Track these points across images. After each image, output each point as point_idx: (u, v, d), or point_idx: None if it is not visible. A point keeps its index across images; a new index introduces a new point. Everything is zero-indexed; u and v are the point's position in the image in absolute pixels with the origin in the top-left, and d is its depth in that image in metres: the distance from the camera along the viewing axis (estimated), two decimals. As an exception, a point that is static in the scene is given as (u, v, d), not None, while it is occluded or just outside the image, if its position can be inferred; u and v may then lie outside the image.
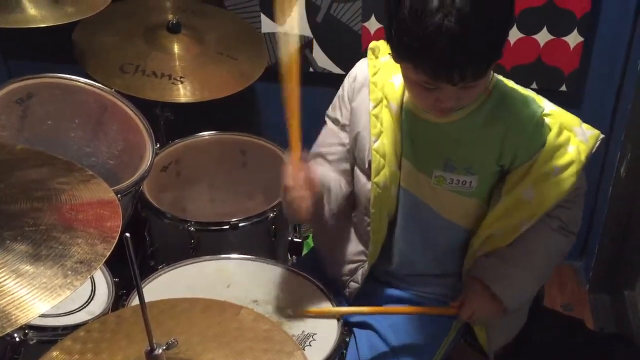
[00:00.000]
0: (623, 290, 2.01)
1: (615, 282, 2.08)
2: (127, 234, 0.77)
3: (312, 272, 1.41)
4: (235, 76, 1.83)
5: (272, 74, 1.95)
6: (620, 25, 1.85)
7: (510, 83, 1.27)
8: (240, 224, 1.62)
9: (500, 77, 1.25)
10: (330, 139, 1.38)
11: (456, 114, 1.20)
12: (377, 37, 1.97)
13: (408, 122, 1.25)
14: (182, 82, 1.76)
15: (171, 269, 1.43)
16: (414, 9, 1.02)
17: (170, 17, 1.86)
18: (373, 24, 1.96)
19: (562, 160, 1.23)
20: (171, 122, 1.93)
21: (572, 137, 1.25)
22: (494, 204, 1.27)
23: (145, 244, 1.79)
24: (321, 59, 2.07)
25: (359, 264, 1.38)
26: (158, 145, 1.75)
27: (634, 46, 1.86)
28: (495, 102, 1.21)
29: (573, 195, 1.28)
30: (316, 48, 2.05)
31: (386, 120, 1.26)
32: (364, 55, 1.38)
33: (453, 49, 1.01)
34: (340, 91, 1.37)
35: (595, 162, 2.02)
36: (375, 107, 1.27)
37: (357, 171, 1.33)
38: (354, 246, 1.39)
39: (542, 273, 1.33)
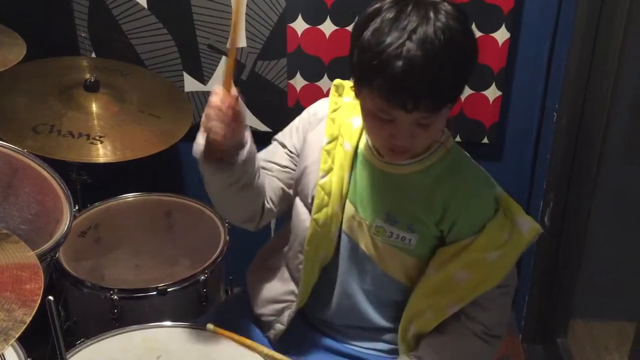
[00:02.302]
0: (556, 338, 2.03)
1: (548, 330, 2.10)
2: (51, 297, 0.68)
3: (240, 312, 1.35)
4: (158, 135, 1.75)
5: (197, 132, 1.91)
6: (535, 79, 1.95)
7: (468, 156, 1.24)
8: (169, 289, 1.52)
9: (460, 148, 1.23)
10: (269, 156, 1.32)
11: (410, 166, 1.17)
12: (303, 94, 1.97)
13: (360, 166, 1.22)
14: (101, 142, 1.67)
15: (92, 342, 1.30)
16: (378, 30, 1.02)
17: (87, 75, 1.78)
18: (299, 81, 1.96)
19: (500, 247, 1.17)
20: (89, 185, 1.82)
21: (513, 226, 1.19)
22: (423, 280, 1.21)
23: (60, 318, 1.64)
24: (247, 117, 2.02)
25: (286, 304, 1.32)
26: (77, 208, 1.64)
27: (548, 99, 1.95)
28: (449, 164, 1.19)
29: (499, 293, 1.21)
30: (242, 106, 2.02)
31: (338, 158, 1.23)
32: (291, 112, 1.36)
33: (410, 71, 0.99)
34: (296, 121, 1.33)
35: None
36: (329, 142, 1.23)
37: (298, 205, 1.28)
38: (284, 285, 1.32)
39: None
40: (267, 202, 1.29)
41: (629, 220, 1.94)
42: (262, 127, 2.03)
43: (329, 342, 1.33)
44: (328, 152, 1.23)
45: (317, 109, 1.31)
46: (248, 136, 1.17)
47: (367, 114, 1.12)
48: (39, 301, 0.67)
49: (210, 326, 1.25)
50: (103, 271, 1.76)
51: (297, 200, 1.29)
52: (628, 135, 1.82)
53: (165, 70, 1.99)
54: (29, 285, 0.67)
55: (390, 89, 1.02)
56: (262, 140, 1.35)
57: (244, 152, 1.15)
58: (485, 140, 2.00)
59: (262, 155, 1.32)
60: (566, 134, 1.85)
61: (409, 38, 1.00)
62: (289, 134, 1.32)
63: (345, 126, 1.24)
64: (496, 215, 1.17)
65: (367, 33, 1.03)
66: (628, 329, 2.11)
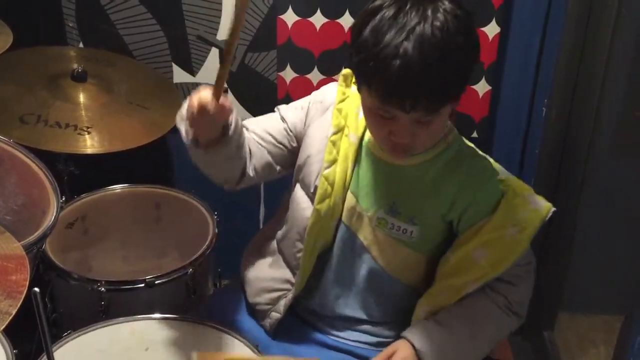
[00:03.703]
0: (542, 331, 2.05)
1: (534, 323, 2.11)
2: (37, 289, 0.67)
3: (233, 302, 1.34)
4: (147, 126, 1.74)
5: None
6: (524, 74, 1.95)
7: (470, 144, 1.25)
8: (156, 282, 1.50)
9: (462, 137, 1.24)
10: (267, 124, 1.29)
11: (412, 159, 1.17)
12: (293, 86, 1.96)
13: (364, 157, 1.22)
14: (89, 133, 1.65)
15: (80, 334, 1.29)
16: (376, 28, 1.01)
17: (75, 66, 1.76)
18: (289, 73, 1.95)
19: (516, 224, 1.18)
20: (76, 176, 1.80)
21: (526, 204, 1.20)
22: (442, 264, 1.21)
23: (47, 310, 1.62)
24: (236, 109, 2.01)
25: (282, 292, 1.31)
26: (64, 199, 1.62)
27: (537, 94, 1.95)
28: (453, 155, 1.19)
29: (523, 269, 1.23)
30: (231, 98, 2.01)
31: (343, 149, 1.22)
32: (280, 104, 1.34)
33: (407, 72, 0.99)
34: (303, 102, 1.31)
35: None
36: (335, 133, 1.22)
37: (299, 194, 1.27)
38: (280, 273, 1.32)
39: (480, 350, 1.25)
40: (250, 170, 1.26)
41: (617, 215, 1.95)
42: (252, 120, 2.02)
43: (319, 335, 1.33)
44: (333, 143, 1.22)
45: (324, 95, 1.28)
46: (232, 117, 1.13)
47: (367, 110, 1.12)
48: (24, 293, 0.66)
49: (194, 355, 1.22)
50: (90, 263, 1.75)
51: (298, 188, 1.28)
52: (617, 130, 1.83)
53: (154, 61, 1.98)
54: (15, 276, 0.66)
55: (387, 90, 1.02)
56: (252, 133, 1.34)
57: (229, 135, 1.13)
58: (475, 135, 2.00)
59: (260, 123, 1.30)
60: (555, 128, 1.85)
61: (406, 38, 0.99)
62: (293, 111, 1.30)
63: (351, 117, 1.23)
64: (507, 195, 1.18)
65: (366, 31, 1.02)
66: (614, 323, 2.13)
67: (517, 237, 1.18)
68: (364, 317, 1.30)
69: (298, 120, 1.29)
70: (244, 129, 1.24)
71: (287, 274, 1.31)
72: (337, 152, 1.22)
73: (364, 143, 1.23)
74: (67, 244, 1.67)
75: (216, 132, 1.13)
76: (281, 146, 1.29)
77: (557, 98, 1.82)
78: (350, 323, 1.31)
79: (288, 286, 1.31)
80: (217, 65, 1.94)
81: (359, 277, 1.27)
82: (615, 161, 1.92)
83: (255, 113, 2.00)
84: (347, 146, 1.22)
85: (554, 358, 1.97)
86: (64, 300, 1.58)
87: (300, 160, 1.27)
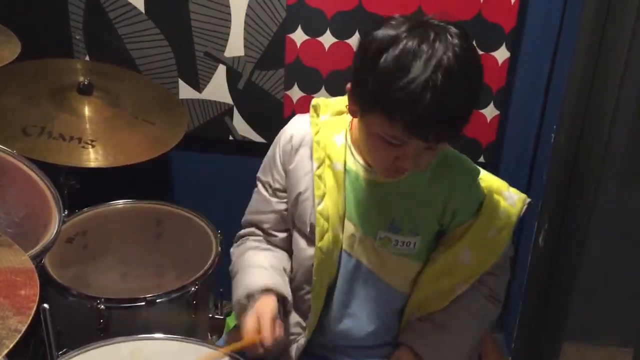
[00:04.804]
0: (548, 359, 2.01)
1: (538, 353, 2.07)
2: (46, 305, 0.63)
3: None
4: (152, 141, 1.71)
5: (191, 141, 1.87)
6: (533, 98, 1.94)
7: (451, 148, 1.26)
8: (158, 300, 1.47)
9: None
10: (263, 206, 1.31)
11: (406, 174, 1.17)
12: (300, 105, 1.94)
13: (351, 183, 1.20)
14: (93, 146, 1.62)
15: (78, 354, 1.24)
16: (399, 60, 0.98)
17: (81, 78, 1.74)
18: (295, 92, 1.94)
19: (497, 223, 1.25)
20: (77, 191, 1.77)
21: (502, 201, 1.27)
22: (429, 265, 1.24)
23: (40, 327, 1.58)
24: (242, 127, 2.00)
25: (293, 337, 1.28)
26: (66, 213, 1.59)
27: (546, 118, 1.94)
28: (438, 162, 1.20)
29: (502, 260, 1.29)
30: (236, 116, 1.99)
31: (329, 181, 1.20)
32: (287, 122, 1.32)
33: (440, 105, 0.98)
34: (270, 153, 1.30)
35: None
36: (319, 167, 1.20)
37: (296, 236, 1.26)
38: (289, 318, 1.28)
39: (473, 341, 1.31)
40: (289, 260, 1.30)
41: (626, 244, 1.92)
42: (257, 138, 2.00)
43: None
44: (319, 177, 1.20)
45: (292, 132, 1.26)
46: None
47: (373, 137, 1.09)
48: (34, 309, 0.63)
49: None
50: (89, 279, 1.71)
51: (295, 232, 1.27)
52: (628, 159, 1.81)
53: (160, 76, 1.96)
54: (24, 291, 0.63)
55: (415, 122, 1.00)
56: (257, 152, 1.32)
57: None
58: (482, 159, 1.99)
59: (258, 208, 1.31)
60: (564, 154, 1.84)
61: (434, 70, 0.97)
62: (270, 171, 1.29)
63: (330, 146, 1.21)
64: (487, 194, 1.24)
65: (386, 61, 1.00)
66: (620, 355, 2.10)
67: (498, 237, 1.25)
68: (380, 338, 1.29)
69: (278, 176, 1.28)
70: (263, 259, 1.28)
71: (296, 317, 1.29)
72: (325, 185, 1.21)
73: (347, 169, 1.21)
74: (65, 259, 1.63)
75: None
76: (286, 211, 1.29)
77: (566, 124, 1.81)
78: (366, 349, 1.29)
79: (299, 330, 1.28)
80: (224, 82, 1.95)
81: (369, 301, 1.25)
82: (625, 191, 1.90)
83: (261, 132, 2.00)
84: (333, 176, 1.20)
85: (558, 389, 1.93)
86: (61, 316, 1.53)
87: (290, 203, 1.26)
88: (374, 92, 1.03)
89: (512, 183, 2.02)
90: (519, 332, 2.09)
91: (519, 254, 2.10)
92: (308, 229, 1.22)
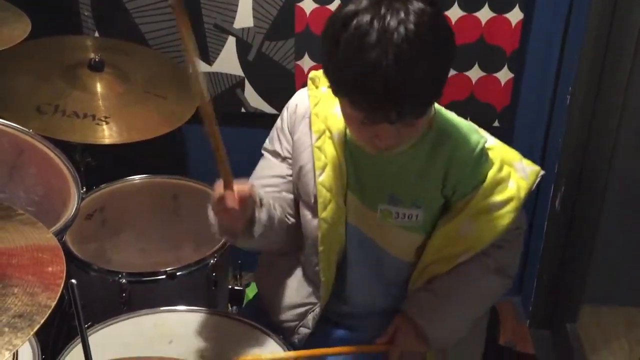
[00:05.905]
0: (565, 323, 2.02)
1: (556, 315, 2.08)
2: (73, 280, 0.65)
3: (258, 320, 1.30)
4: (165, 116, 1.72)
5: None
6: (548, 61, 1.91)
7: (451, 114, 1.24)
8: (178, 273, 1.49)
9: (440, 107, 1.22)
10: (268, 171, 1.29)
11: (398, 148, 1.14)
12: (311, 75, 1.93)
13: (352, 154, 1.20)
14: (107, 123, 1.63)
15: (103, 327, 1.27)
16: (351, 44, 0.96)
17: (92, 55, 1.74)
18: (306, 62, 1.92)
19: (501, 196, 1.20)
20: (93, 167, 1.78)
21: (513, 173, 1.23)
22: (432, 235, 1.23)
23: (64, 303, 1.61)
24: (253, 99, 2.00)
25: (309, 307, 1.30)
26: (84, 190, 1.60)
27: (561, 81, 1.92)
28: (437, 134, 1.18)
29: (512, 234, 1.26)
30: (248, 87, 1.98)
31: (330, 152, 1.20)
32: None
33: (390, 88, 0.95)
34: (278, 123, 1.29)
35: (529, 197, 2.05)
36: (318, 139, 1.20)
37: (302, 208, 1.26)
38: (302, 288, 1.30)
39: (474, 313, 1.29)
40: (288, 219, 1.27)
41: (643, 205, 1.92)
42: (268, 109, 2.00)
43: (351, 334, 1.31)
44: (319, 148, 1.20)
45: (296, 104, 1.26)
46: (258, 212, 1.14)
47: (347, 118, 1.09)
48: (62, 284, 0.64)
49: None
50: (108, 254, 1.73)
51: (301, 203, 1.27)
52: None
53: (170, 50, 1.95)
54: (51, 267, 0.64)
55: (371, 105, 0.99)
56: (269, 123, 1.31)
57: (254, 228, 1.14)
58: (497, 124, 1.97)
59: (262, 174, 1.29)
60: (580, 117, 1.82)
61: (384, 51, 0.94)
62: (277, 140, 1.28)
63: (330, 118, 1.21)
64: (494, 165, 1.20)
65: (342, 43, 0.97)
66: (636, 315, 2.11)
67: (503, 210, 1.20)
68: (390, 306, 1.30)
69: (286, 143, 1.27)
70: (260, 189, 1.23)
71: (310, 287, 1.30)
72: (325, 156, 1.20)
73: (348, 139, 1.20)
74: (85, 236, 1.65)
75: (244, 219, 1.12)
76: (291, 177, 1.27)
77: (581, 85, 1.79)
78: (377, 316, 1.30)
79: (313, 299, 1.29)
80: (234, 54, 1.94)
81: (380, 271, 1.26)
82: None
83: (272, 103, 1.99)
84: (333, 147, 1.20)
85: (576, 350, 1.94)
86: (83, 292, 1.55)
87: (294, 175, 1.26)
88: (332, 78, 1.03)
89: (528, 147, 2.02)
90: (536, 297, 2.10)
91: (535, 218, 2.10)
92: (312, 201, 1.22)
